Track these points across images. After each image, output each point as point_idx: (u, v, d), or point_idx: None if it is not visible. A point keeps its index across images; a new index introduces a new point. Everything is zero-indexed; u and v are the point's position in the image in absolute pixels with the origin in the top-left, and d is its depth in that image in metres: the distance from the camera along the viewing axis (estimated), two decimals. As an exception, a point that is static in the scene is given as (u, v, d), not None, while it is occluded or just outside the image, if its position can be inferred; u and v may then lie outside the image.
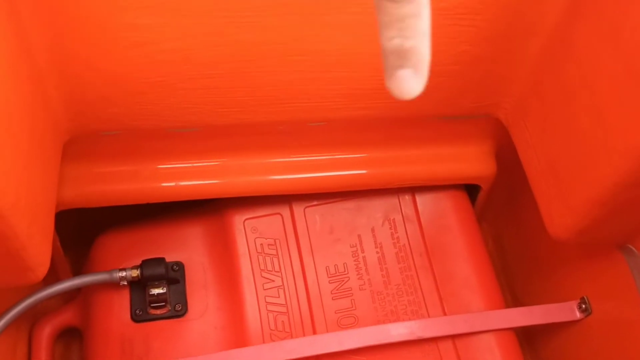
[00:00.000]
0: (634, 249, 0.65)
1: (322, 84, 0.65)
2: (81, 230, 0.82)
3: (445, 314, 0.75)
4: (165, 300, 0.74)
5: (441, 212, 0.81)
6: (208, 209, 0.80)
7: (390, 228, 0.80)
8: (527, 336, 0.86)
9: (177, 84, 0.61)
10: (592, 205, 0.59)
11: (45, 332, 0.77)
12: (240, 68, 0.61)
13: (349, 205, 0.81)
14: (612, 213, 0.60)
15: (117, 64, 0.58)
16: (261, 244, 0.78)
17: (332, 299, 0.76)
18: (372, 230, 0.80)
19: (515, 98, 0.70)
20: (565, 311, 0.75)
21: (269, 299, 0.75)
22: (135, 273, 0.73)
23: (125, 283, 0.73)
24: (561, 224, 0.64)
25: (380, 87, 0.66)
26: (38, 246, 0.54)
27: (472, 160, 0.79)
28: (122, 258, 0.76)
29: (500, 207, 0.90)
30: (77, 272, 0.86)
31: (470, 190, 0.84)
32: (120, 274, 0.72)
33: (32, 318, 0.78)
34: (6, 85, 0.47)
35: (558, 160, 0.64)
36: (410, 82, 0.36)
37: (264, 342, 0.72)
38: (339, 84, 0.66)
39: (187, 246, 0.78)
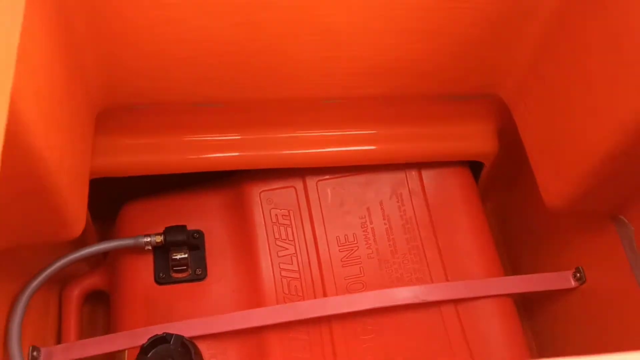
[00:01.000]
0: (624, 219, 0.70)
1: (335, 63, 0.70)
2: (107, 203, 0.87)
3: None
4: (186, 265, 0.79)
5: (446, 187, 0.86)
6: (227, 181, 0.85)
7: (398, 201, 0.85)
8: (525, 305, 0.90)
9: (201, 60, 0.66)
10: (584, 175, 0.64)
11: (75, 294, 0.83)
12: (258, 46, 0.66)
13: (359, 179, 0.85)
14: (603, 183, 0.64)
15: (148, 40, 0.63)
16: (276, 215, 0.83)
17: (342, 266, 0.80)
18: (381, 203, 0.84)
19: (515, 78, 0.74)
20: (561, 280, 0.79)
21: (282, 266, 0.80)
22: (159, 239, 0.78)
23: (150, 248, 0.78)
24: (556, 193, 0.69)
25: (389, 66, 0.71)
26: (76, 204, 0.60)
27: (476, 139, 0.84)
28: (146, 225, 0.81)
29: (502, 184, 0.94)
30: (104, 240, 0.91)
31: (474, 167, 0.88)
32: (145, 240, 0.78)
33: (63, 281, 0.83)
34: (49, 58, 0.52)
35: (554, 134, 0.68)
36: None
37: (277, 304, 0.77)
38: (351, 63, 0.70)
39: (207, 215, 0.83)
